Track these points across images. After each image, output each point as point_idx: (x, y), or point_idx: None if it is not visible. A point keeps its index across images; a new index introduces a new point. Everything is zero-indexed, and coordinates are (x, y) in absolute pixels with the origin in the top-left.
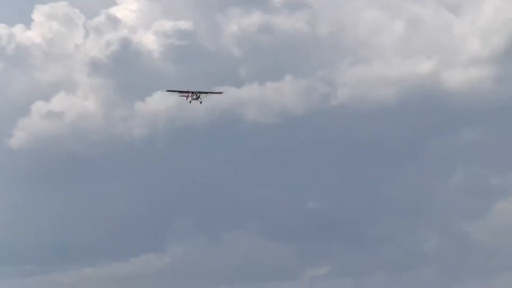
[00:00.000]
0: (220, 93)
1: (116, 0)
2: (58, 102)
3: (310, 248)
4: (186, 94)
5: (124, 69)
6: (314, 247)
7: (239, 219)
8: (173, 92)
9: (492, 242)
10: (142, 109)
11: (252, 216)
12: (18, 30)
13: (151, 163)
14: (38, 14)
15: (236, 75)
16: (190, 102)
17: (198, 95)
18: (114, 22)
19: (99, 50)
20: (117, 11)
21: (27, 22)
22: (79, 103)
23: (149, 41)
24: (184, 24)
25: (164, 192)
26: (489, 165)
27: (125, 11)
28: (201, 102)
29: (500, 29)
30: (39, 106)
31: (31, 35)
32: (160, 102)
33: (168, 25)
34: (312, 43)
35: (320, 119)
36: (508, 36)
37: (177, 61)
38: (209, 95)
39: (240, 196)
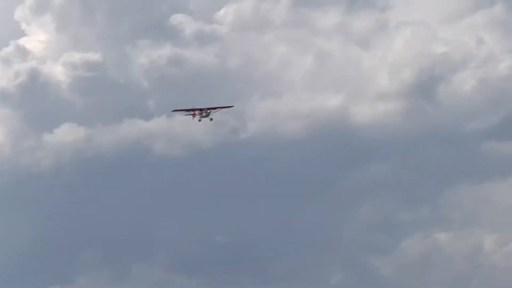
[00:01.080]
0: (231, 106)
1: (25, 31)
2: None
3: (218, 282)
4: (193, 113)
5: (33, 100)
6: (222, 280)
7: (146, 252)
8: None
9: (399, 277)
10: (50, 141)
11: (160, 248)
12: None
13: (58, 194)
14: None
15: (145, 107)
16: (199, 120)
17: (208, 112)
18: (23, 53)
19: (7, 81)
20: (26, 42)
21: None
22: None
23: (57, 72)
24: (93, 56)
25: (71, 224)
26: (397, 200)
27: (34, 42)
28: (211, 119)
29: (409, 64)
30: None
31: None
32: (68, 134)
33: (76, 56)
34: (222, 76)
35: (229, 152)
36: (416, 71)
37: (85, 93)
38: (219, 110)
39: (148, 229)
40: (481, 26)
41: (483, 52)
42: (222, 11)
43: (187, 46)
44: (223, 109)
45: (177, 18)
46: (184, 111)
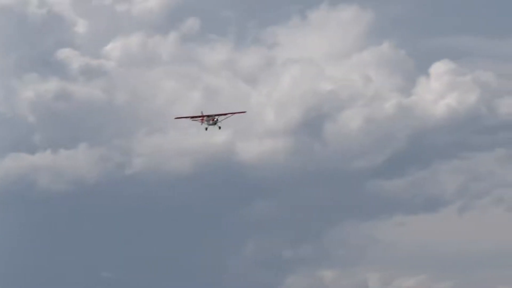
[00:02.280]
0: (244, 112)
1: None
2: None
3: None
4: (201, 118)
5: None
6: None
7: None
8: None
9: None
10: None
11: (45, 285)
12: None
13: None
14: None
15: (29, 141)
16: (206, 129)
17: (215, 119)
18: None
19: None
20: None
21: None
22: None
23: None
24: None
25: None
26: (282, 237)
27: None
28: (220, 128)
29: (296, 101)
30: None
31: None
32: None
33: None
34: (109, 112)
35: (114, 188)
36: (304, 108)
37: None
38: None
39: (31, 264)
40: (368, 64)
41: (370, 91)
42: (109, 46)
43: (73, 80)
44: (235, 115)
45: (63, 53)
46: (189, 118)
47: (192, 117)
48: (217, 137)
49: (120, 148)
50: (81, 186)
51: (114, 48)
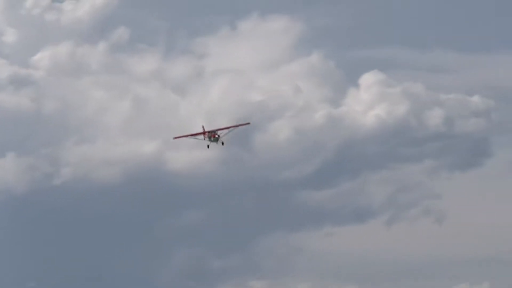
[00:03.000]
0: (247, 123)
1: None
2: None
3: None
4: (203, 134)
5: None
6: None
7: None
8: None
9: None
10: None
11: None
12: None
13: None
14: None
15: None
16: (208, 146)
17: (216, 135)
18: None
19: None
20: None
21: None
22: None
23: None
24: None
25: None
26: (210, 247)
27: None
28: (223, 143)
29: (226, 111)
30: None
31: None
32: None
33: None
34: (37, 121)
35: (42, 197)
36: (232, 119)
37: None
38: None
39: None
40: (298, 74)
41: (300, 101)
42: (38, 56)
43: (2, 89)
44: (239, 127)
45: None
46: (189, 136)
47: (192, 135)
48: (146, 146)
49: (48, 157)
50: (9, 196)
51: (43, 57)
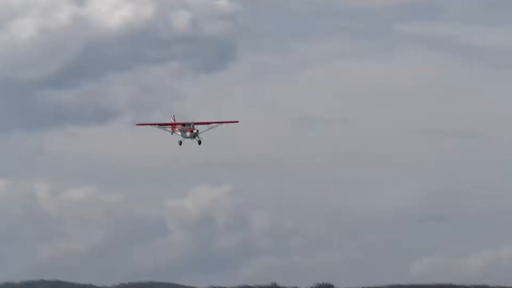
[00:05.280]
0: (236, 121)
1: None
2: None
3: None
4: (172, 127)
5: None
6: None
7: None
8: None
9: None
10: None
11: None
12: None
13: None
14: None
15: None
16: (180, 143)
17: (194, 130)
18: None
19: None
20: None
21: None
22: None
23: None
24: None
25: None
26: None
27: None
28: (200, 142)
29: None
30: None
31: None
32: None
33: None
34: None
35: None
36: None
37: None
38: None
39: None
40: None
41: (44, 0)
42: None
43: None
44: (225, 125)
45: None
46: (155, 126)
47: (159, 125)
48: None
49: None
50: None
51: None
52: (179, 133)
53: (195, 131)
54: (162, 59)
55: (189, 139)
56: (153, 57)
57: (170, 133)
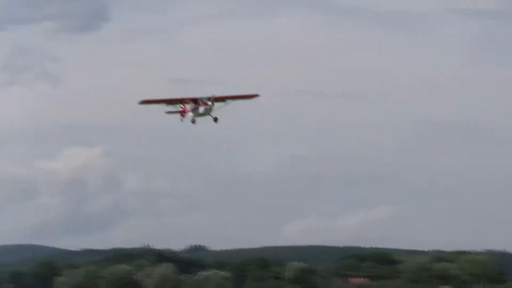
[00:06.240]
0: (256, 95)
1: None
2: None
3: None
4: (182, 108)
5: None
6: None
7: None
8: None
9: None
10: None
11: None
12: None
13: None
14: None
15: None
16: (193, 121)
17: (210, 103)
18: None
19: None
20: None
21: None
22: None
23: None
24: None
25: None
26: None
27: None
28: (216, 120)
29: None
30: None
31: None
32: None
33: None
34: None
35: None
36: None
37: None
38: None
39: None
40: None
41: None
42: None
43: None
44: (243, 100)
45: None
46: (161, 103)
47: (166, 101)
48: None
49: None
50: None
51: None
52: (191, 113)
53: (209, 104)
54: (36, 19)
55: (203, 117)
56: (26, 17)
57: (180, 115)
